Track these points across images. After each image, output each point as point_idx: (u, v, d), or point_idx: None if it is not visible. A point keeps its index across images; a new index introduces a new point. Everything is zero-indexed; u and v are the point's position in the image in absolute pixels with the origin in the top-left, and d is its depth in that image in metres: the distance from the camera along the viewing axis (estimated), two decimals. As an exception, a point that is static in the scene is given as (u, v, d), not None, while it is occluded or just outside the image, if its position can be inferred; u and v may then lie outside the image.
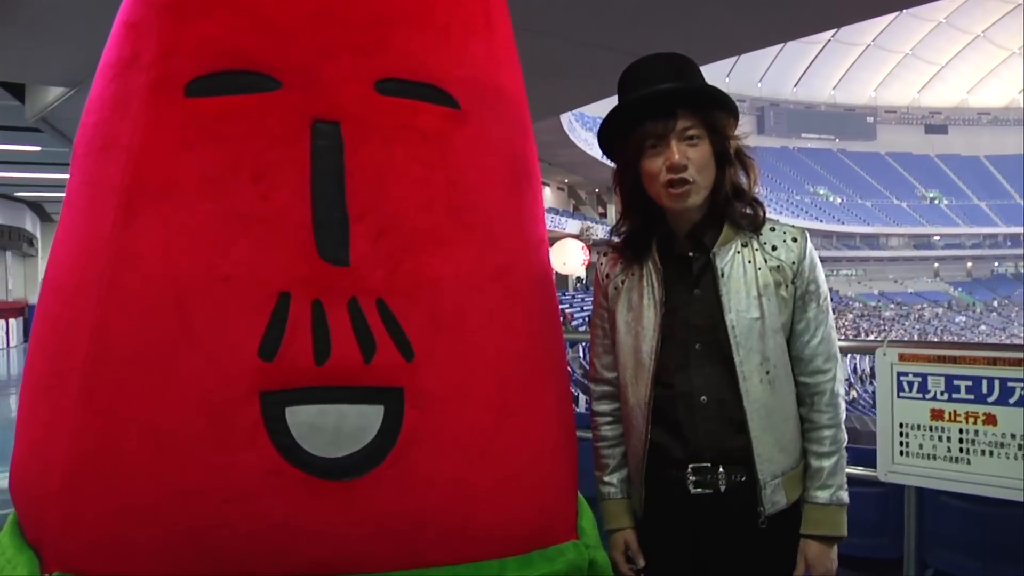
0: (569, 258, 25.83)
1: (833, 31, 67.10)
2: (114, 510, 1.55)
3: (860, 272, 70.85)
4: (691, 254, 1.86)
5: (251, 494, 1.53)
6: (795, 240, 1.86)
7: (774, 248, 1.84)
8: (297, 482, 1.54)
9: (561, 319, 2.05)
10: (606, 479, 1.97)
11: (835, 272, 67.92)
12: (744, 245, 1.84)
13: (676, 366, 1.84)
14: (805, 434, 1.88)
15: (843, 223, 69.38)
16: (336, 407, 1.55)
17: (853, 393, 27.65)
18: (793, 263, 1.84)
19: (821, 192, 74.48)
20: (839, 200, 73.70)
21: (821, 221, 67.96)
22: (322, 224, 1.56)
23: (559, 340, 1.92)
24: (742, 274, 1.82)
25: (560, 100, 10.66)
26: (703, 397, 1.82)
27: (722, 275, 1.82)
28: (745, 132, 1.90)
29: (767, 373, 1.80)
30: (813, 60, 74.29)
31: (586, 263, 26.21)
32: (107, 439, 1.56)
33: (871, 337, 52.11)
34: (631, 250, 1.92)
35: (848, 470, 1.89)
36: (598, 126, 1.93)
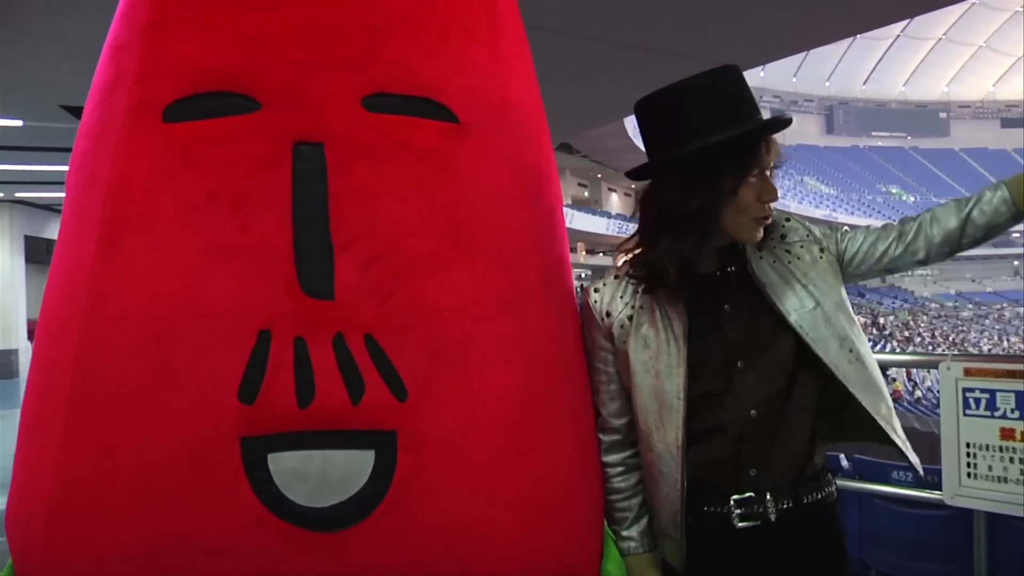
0: None
1: (902, 26, 65.75)
2: (96, 556, 1.46)
3: (936, 272, 68.97)
4: (729, 268, 1.78)
5: (235, 546, 1.43)
6: (788, 220, 1.84)
7: (783, 236, 1.80)
8: (283, 534, 1.43)
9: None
10: (624, 534, 1.82)
11: (910, 272, 66.23)
12: (760, 251, 1.78)
13: (720, 391, 1.70)
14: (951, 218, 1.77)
15: (917, 222, 67.53)
16: (322, 453, 1.44)
17: (918, 393, 26.97)
18: (807, 235, 1.82)
19: (894, 191, 72.89)
20: (913, 199, 71.93)
21: (894, 221, 66.40)
22: (305, 255, 1.45)
23: (582, 365, 1.77)
24: (778, 276, 1.75)
25: (617, 106, 10.50)
26: (752, 411, 1.70)
27: (764, 284, 1.74)
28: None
29: (850, 351, 1.72)
30: (882, 56, 72.80)
31: None
32: (89, 483, 1.47)
33: (948, 340, 50.77)
34: (650, 280, 1.75)
35: (912, 492, 1.93)
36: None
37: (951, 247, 1.78)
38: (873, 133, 78.60)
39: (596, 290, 1.83)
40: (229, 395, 1.42)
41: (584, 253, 47.58)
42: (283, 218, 1.45)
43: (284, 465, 1.43)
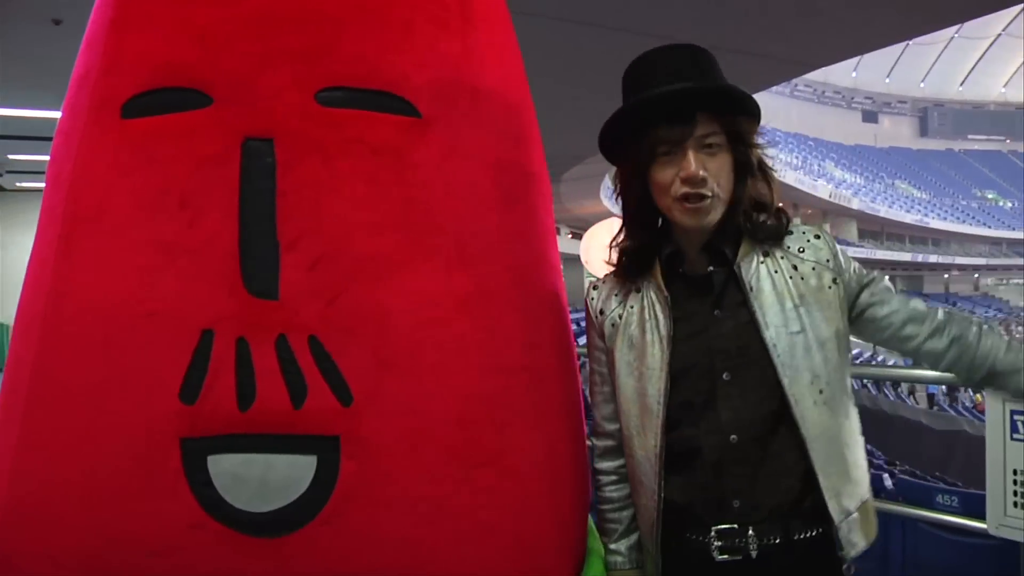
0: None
1: (1003, 24, 63.62)
2: (42, 556, 1.46)
3: (1035, 280, 66.61)
4: (711, 269, 1.64)
5: (175, 548, 1.41)
6: (818, 236, 1.67)
7: (801, 250, 1.64)
8: (221, 538, 1.39)
9: (574, 346, 1.82)
10: (612, 547, 1.74)
11: (1005, 281, 64.23)
12: (766, 255, 1.63)
13: (701, 403, 1.59)
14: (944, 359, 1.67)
15: (1014, 229, 65.42)
16: (263, 457, 1.39)
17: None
18: (827, 259, 1.64)
19: (990, 196, 70.61)
20: (1010, 204, 69.60)
21: (990, 227, 64.47)
22: (250, 253, 1.41)
23: (561, 372, 1.69)
24: (771, 286, 1.60)
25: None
26: (733, 436, 1.56)
27: (751, 289, 1.60)
28: (765, 142, 1.71)
29: (820, 392, 1.56)
30: (981, 57, 70.60)
31: None
32: (39, 484, 1.46)
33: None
34: (632, 273, 1.70)
35: (955, 519, 1.80)
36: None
37: (973, 375, 1.68)
38: (969, 136, 76.32)
39: (595, 287, 1.77)
40: (171, 395, 1.39)
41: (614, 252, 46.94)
42: (229, 216, 1.41)
43: (224, 468, 1.39)
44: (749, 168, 1.63)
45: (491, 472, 1.49)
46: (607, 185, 27.17)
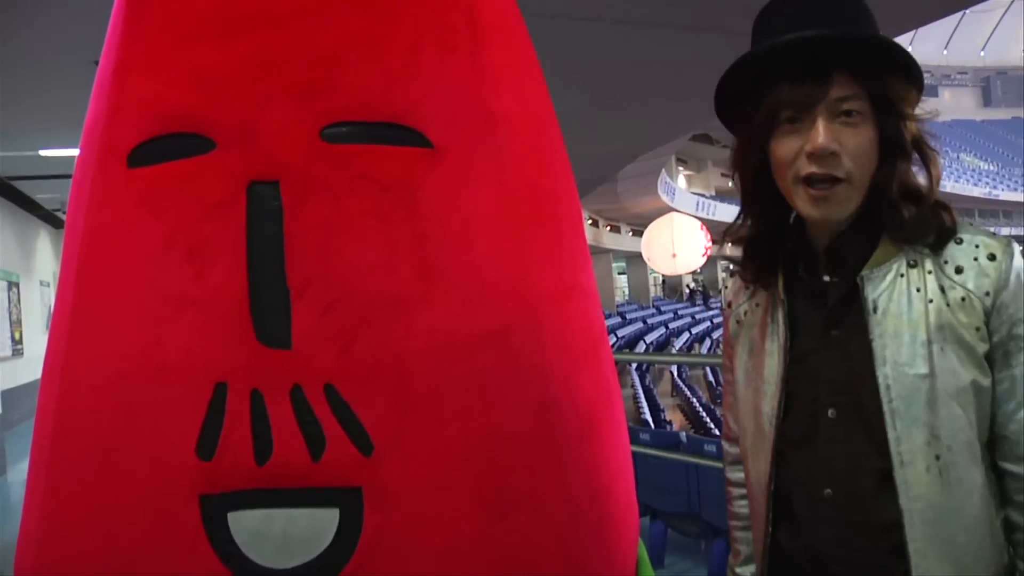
0: (684, 247, 18.18)
1: (1065, -13, 61.74)
2: None
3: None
4: (827, 279, 1.37)
5: (200, 608, 1.36)
6: (992, 258, 1.27)
7: (959, 271, 1.28)
8: (246, 597, 1.35)
9: (613, 370, 1.74)
10: (738, 571, 1.58)
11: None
12: (912, 266, 1.30)
13: (799, 438, 1.38)
14: (1017, 548, 1.30)
15: (1089, 195, 63.49)
16: (283, 511, 1.34)
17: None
18: (987, 293, 1.26)
19: (1062, 163, 68.59)
20: (1084, 170, 67.57)
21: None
22: (260, 302, 1.36)
23: (595, 401, 1.61)
24: (905, 309, 1.28)
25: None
26: (827, 490, 1.34)
27: (874, 310, 1.30)
28: (929, 110, 1.36)
29: (937, 458, 1.25)
30: (1044, 20, 68.59)
31: (707, 253, 18.94)
32: (62, 539, 1.45)
33: None
34: (753, 265, 1.47)
35: None
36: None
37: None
38: (1037, 102, 74.21)
39: (732, 275, 1.56)
40: (187, 451, 1.35)
41: (730, 244, 46.56)
42: (237, 264, 1.37)
43: (244, 524, 1.35)
44: (900, 147, 1.31)
45: (523, 514, 1.42)
46: (664, 180, 27.01)
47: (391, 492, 1.35)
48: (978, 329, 1.27)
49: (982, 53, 70.46)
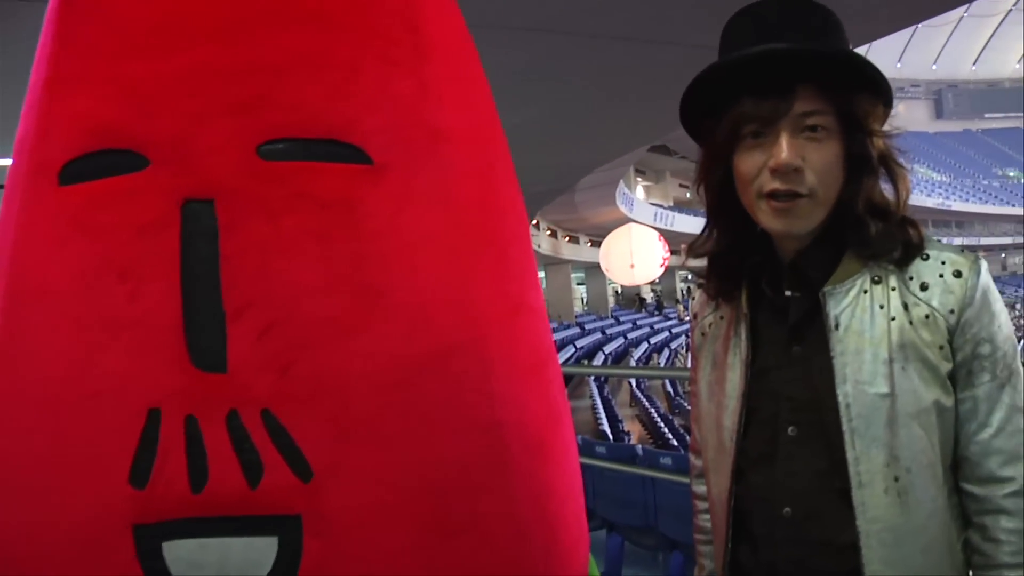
0: (642, 258, 17.96)
1: (1014, 2, 63.04)
2: None
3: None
4: (789, 293, 1.35)
5: (132, 643, 1.31)
6: (958, 275, 1.25)
7: (924, 287, 1.25)
8: (181, 632, 1.30)
9: (562, 390, 1.71)
10: None
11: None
12: (876, 282, 1.28)
13: (759, 455, 1.36)
14: (976, 571, 1.28)
15: (1039, 204, 64.75)
16: (220, 540, 1.30)
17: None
18: (952, 311, 1.24)
19: (1011, 174, 70.05)
20: (1033, 180, 68.92)
21: (1013, 205, 63.89)
22: (195, 325, 1.32)
23: (544, 423, 1.58)
24: (868, 327, 1.25)
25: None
26: (786, 509, 1.31)
27: (836, 326, 1.27)
28: (897, 127, 1.38)
29: (896, 480, 1.23)
30: (992, 34, 70.07)
31: (665, 263, 18.82)
32: None
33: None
34: (717, 279, 1.45)
35: None
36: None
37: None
38: (986, 115, 75.87)
39: (699, 285, 1.53)
40: (120, 480, 1.30)
41: (696, 257, 46.73)
42: (171, 286, 1.32)
43: (179, 554, 1.30)
44: (866, 163, 1.29)
45: (468, 540, 1.39)
46: (622, 191, 27.13)
47: (331, 519, 1.31)
48: (941, 348, 1.25)
49: (934, 66, 71.75)
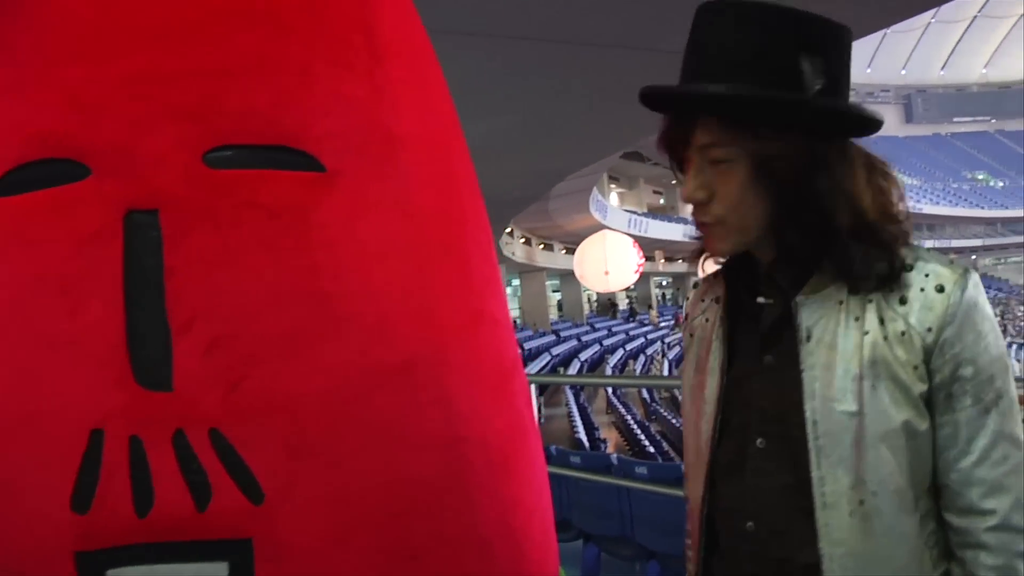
0: (616, 264, 17.89)
1: (979, 6, 63.80)
2: None
3: (1032, 258, 66.55)
4: (761, 300, 1.30)
5: None
6: (940, 290, 1.17)
7: (903, 301, 1.18)
8: (128, 664, 1.24)
9: (529, 404, 1.66)
10: None
11: (1003, 261, 64.40)
12: (853, 292, 1.21)
13: (728, 465, 1.31)
14: None
15: (1007, 207, 65.60)
16: (167, 567, 1.24)
17: None
18: (929, 329, 1.16)
19: (980, 177, 70.84)
20: (1001, 184, 69.79)
21: (983, 208, 64.70)
22: (139, 341, 1.26)
23: (510, 437, 1.53)
24: (840, 340, 1.19)
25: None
26: (750, 523, 1.26)
27: (807, 338, 1.21)
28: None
29: (861, 503, 1.16)
30: (960, 39, 70.86)
31: (639, 270, 18.72)
32: None
33: (1049, 326, 48.71)
34: (705, 280, 1.44)
35: None
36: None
37: None
38: (955, 119, 76.74)
39: (695, 285, 1.51)
40: (61, 505, 1.24)
41: (663, 261, 47.08)
42: (114, 301, 1.26)
43: (124, 583, 1.24)
44: (786, 191, 1.21)
45: (431, 560, 1.34)
46: (596, 198, 27.15)
47: (284, 543, 1.26)
48: (916, 368, 1.17)
49: (903, 71, 72.42)
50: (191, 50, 1.34)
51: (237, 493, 1.24)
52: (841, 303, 1.21)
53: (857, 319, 1.19)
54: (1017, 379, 1.30)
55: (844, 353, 1.19)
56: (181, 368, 1.25)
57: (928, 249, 1.25)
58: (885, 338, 1.17)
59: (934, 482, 1.21)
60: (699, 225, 1.29)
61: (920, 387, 1.17)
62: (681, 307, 49.49)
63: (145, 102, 1.31)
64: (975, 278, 1.20)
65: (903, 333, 1.17)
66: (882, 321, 1.18)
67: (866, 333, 1.18)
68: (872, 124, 1.27)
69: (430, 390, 1.38)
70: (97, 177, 1.30)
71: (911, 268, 1.21)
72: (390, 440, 1.33)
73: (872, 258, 1.20)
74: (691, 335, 1.47)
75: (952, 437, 1.17)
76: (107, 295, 1.27)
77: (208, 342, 1.26)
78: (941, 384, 1.17)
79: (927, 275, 1.20)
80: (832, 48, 1.23)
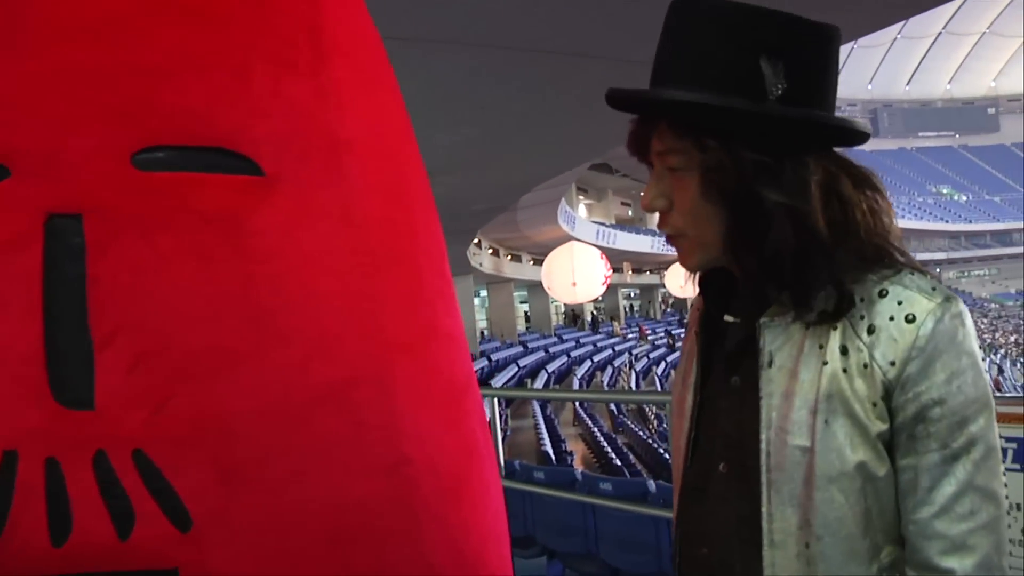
0: (583, 276, 17.71)
1: (944, 23, 64.64)
2: None
3: (994, 271, 67.62)
4: (727, 318, 1.22)
5: None
6: (910, 320, 1.05)
7: (871, 331, 1.07)
8: None
9: (483, 424, 1.58)
10: None
11: (967, 273, 65.23)
12: (821, 317, 1.10)
13: (693, 488, 1.24)
14: None
15: (971, 221, 66.54)
16: (85, 602, 1.15)
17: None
18: (892, 363, 1.05)
19: (944, 191, 71.76)
20: (965, 198, 70.73)
21: (947, 221, 65.50)
22: (58, 355, 1.16)
23: (461, 460, 1.45)
24: (800, 366, 1.09)
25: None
26: (704, 549, 1.19)
27: (769, 363, 1.12)
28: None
29: (807, 546, 1.07)
30: (925, 55, 71.87)
31: (607, 281, 18.51)
32: None
33: (1011, 340, 49.29)
34: (709, 292, 1.30)
35: None
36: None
37: None
38: (920, 134, 77.68)
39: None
40: (-30, 534, 1.14)
41: (630, 273, 47.14)
42: (31, 311, 1.17)
43: (38, 619, 1.15)
44: (736, 205, 1.12)
45: (372, 591, 1.25)
46: (564, 209, 27.15)
47: (214, 573, 1.17)
48: (875, 405, 1.06)
49: (870, 86, 73.23)
50: (120, 46, 1.25)
51: (163, 520, 1.15)
52: (808, 327, 1.11)
53: (821, 347, 1.09)
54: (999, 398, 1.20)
55: (804, 383, 1.09)
56: (103, 385, 1.16)
57: (916, 273, 1.13)
58: (845, 370, 1.07)
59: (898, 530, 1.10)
60: (667, 239, 1.21)
61: (879, 427, 1.06)
62: (646, 319, 49.53)
63: (69, 99, 1.22)
64: (956, 308, 1.07)
65: (865, 366, 1.06)
66: (845, 351, 1.07)
67: (825, 363, 1.08)
68: (843, 134, 1.17)
69: (374, 411, 1.30)
70: (16, 179, 1.21)
71: (885, 294, 1.09)
72: (330, 463, 1.24)
73: (816, 287, 1.09)
74: (687, 350, 1.39)
75: (911, 483, 1.06)
76: (25, 306, 1.17)
77: (133, 357, 1.17)
78: (902, 425, 1.06)
79: (900, 302, 1.08)
80: (802, 49, 1.13)
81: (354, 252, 1.35)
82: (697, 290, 1.32)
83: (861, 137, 1.19)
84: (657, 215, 1.21)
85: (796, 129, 1.13)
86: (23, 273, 1.18)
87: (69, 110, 1.22)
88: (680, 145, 1.14)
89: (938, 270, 65.76)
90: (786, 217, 1.09)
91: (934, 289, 1.09)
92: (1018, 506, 2.05)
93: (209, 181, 1.24)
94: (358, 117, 1.42)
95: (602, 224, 39.20)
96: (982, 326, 51.89)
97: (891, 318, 1.06)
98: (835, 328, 1.09)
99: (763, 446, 1.10)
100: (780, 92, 1.10)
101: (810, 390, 1.07)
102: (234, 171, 1.26)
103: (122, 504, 1.14)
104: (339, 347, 1.28)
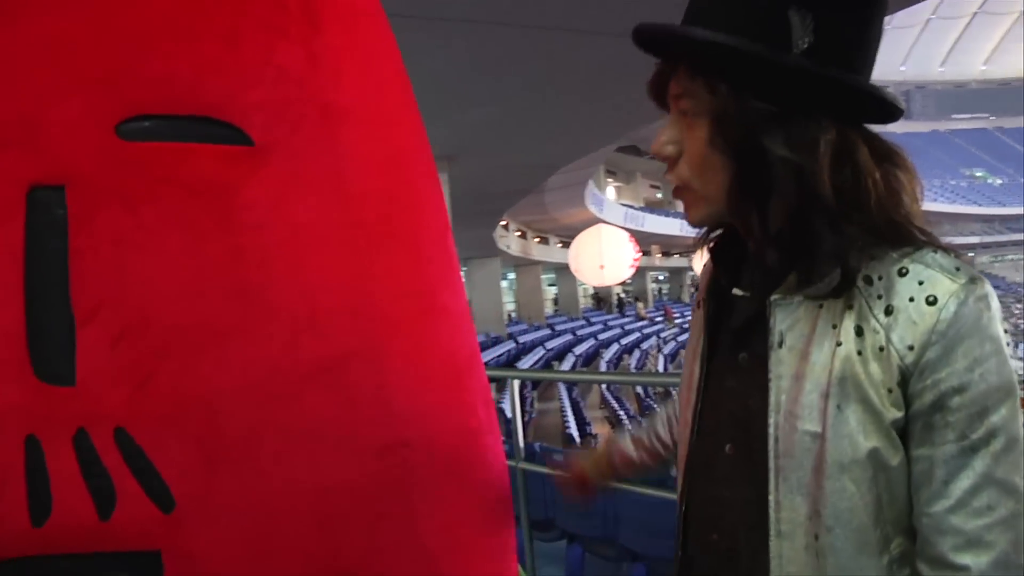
0: (611, 259, 17.48)
1: (980, 2, 63.62)
2: None
3: (1029, 256, 66.55)
4: (736, 292, 1.15)
5: None
6: (932, 302, 0.97)
7: (889, 311, 0.98)
8: None
9: (488, 401, 1.53)
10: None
11: (1000, 258, 64.29)
12: (841, 295, 1.01)
13: (700, 466, 1.17)
14: None
15: (1005, 205, 65.46)
16: (65, 583, 1.12)
17: None
18: (911, 347, 0.97)
19: (979, 175, 70.74)
20: (1000, 181, 69.70)
21: (981, 205, 64.58)
22: (39, 330, 1.13)
23: (458, 441, 1.40)
24: (813, 347, 1.02)
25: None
26: (714, 535, 1.13)
27: (779, 343, 1.04)
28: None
29: (816, 538, 1.01)
30: (960, 35, 70.68)
31: (635, 264, 17.91)
32: None
33: (1045, 324, 48.67)
34: (716, 260, 1.22)
35: None
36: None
37: None
38: (953, 116, 76.55)
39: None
40: (-51, 513, 1.12)
41: (659, 256, 46.91)
42: (12, 285, 1.14)
43: (18, 601, 1.12)
44: (743, 156, 1.03)
45: (364, 576, 1.22)
46: (592, 191, 26.98)
47: (196, 557, 1.14)
48: (891, 391, 0.98)
49: (902, 68, 72.25)
50: (106, 12, 1.21)
51: (145, 500, 1.12)
52: (821, 306, 1.03)
53: (835, 327, 1.01)
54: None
55: (815, 365, 1.01)
56: (85, 361, 1.13)
57: (940, 251, 1.03)
58: (860, 352, 0.99)
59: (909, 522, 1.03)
60: (674, 191, 1.13)
61: (893, 414, 0.98)
62: (672, 301, 49.04)
63: (52, 68, 1.18)
64: (981, 290, 0.98)
65: (881, 349, 0.98)
66: (860, 332, 1.00)
67: (839, 344, 1.00)
68: (869, 102, 1.06)
69: (367, 388, 1.26)
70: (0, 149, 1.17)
71: (906, 273, 1.00)
72: (320, 443, 1.20)
73: (820, 257, 1.01)
74: (694, 315, 1.30)
75: (926, 475, 0.98)
76: (4, 279, 1.14)
77: (115, 333, 1.14)
78: (919, 413, 0.98)
79: (921, 282, 0.99)
80: (835, 5, 1.06)
81: (348, 225, 1.30)
82: (708, 256, 1.25)
83: (890, 109, 1.08)
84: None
85: (813, 85, 1.05)
86: (4, 246, 1.15)
87: (52, 79, 1.18)
88: (692, 87, 1.06)
89: (972, 255, 64.96)
90: (790, 174, 1.01)
91: (958, 269, 1.01)
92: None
93: (196, 151, 1.20)
94: (353, 85, 1.37)
95: (630, 207, 38.99)
96: (1016, 311, 51.20)
97: (911, 299, 0.98)
98: (850, 307, 1.00)
99: (771, 431, 1.03)
100: (805, 46, 1.03)
101: (822, 373, 1.00)
102: (222, 141, 1.22)
103: (103, 483, 1.11)
104: (330, 323, 1.24)
